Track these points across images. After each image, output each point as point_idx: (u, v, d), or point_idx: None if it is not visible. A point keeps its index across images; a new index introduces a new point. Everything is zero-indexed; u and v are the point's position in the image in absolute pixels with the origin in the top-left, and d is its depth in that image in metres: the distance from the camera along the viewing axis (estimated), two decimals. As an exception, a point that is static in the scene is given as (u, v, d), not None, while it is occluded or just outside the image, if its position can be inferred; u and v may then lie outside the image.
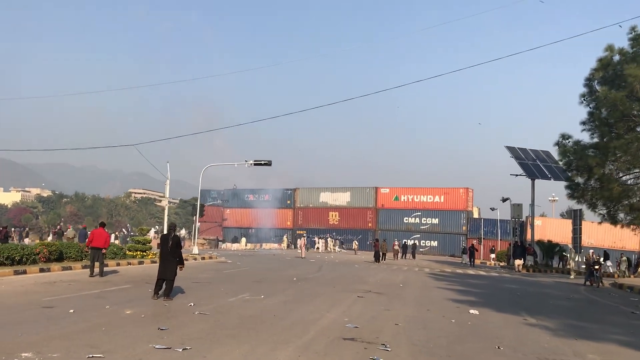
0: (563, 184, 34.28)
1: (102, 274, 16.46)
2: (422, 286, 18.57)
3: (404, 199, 62.00)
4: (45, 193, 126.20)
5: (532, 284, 22.52)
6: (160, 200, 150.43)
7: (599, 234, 48.52)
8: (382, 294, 15.25)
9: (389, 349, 7.61)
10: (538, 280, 25.28)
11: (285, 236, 61.57)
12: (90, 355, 6.49)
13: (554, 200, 79.33)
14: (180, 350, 7.00)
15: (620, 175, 26.95)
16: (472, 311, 12.13)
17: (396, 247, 43.87)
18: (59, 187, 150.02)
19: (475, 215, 62.97)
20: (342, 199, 64.62)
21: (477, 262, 42.11)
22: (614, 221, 28.01)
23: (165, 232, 12.57)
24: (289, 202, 67.25)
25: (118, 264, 21.11)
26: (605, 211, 27.77)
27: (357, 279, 20.09)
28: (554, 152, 38.07)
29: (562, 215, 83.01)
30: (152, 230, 63.99)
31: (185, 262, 25.48)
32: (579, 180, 28.39)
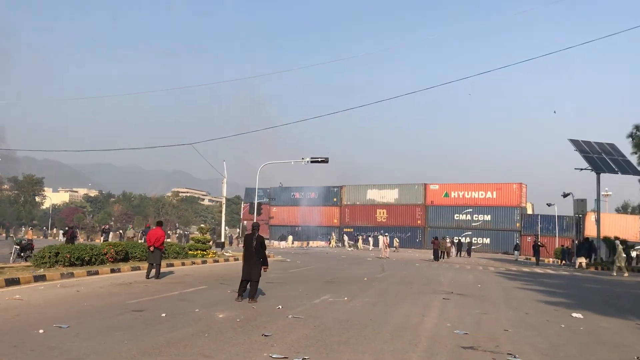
0: (627, 178, 32.83)
1: (157, 275, 15.54)
2: (500, 287, 17.70)
3: (454, 195, 60.75)
4: (92, 193, 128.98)
5: (612, 283, 21.33)
6: (203, 199, 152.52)
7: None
8: (465, 295, 14.49)
9: (520, 360, 6.92)
10: (616, 279, 24.00)
11: (332, 234, 61.13)
12: (211, 367, 6.02)
13: (607, 195, 76.73)
14: (300, 360, 6.48)
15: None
16: (574, 314, 11.28)
17: (448, 245, 42.76)
18: (105, 187, 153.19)
19: (529, 212, 61.29)
20: (390, 196, 63.76)
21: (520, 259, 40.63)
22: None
23: (248, 232, 12.05)
24: (335, 199, 66.78)
25: (183, 264, 20.95)
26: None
27: (429, 279, 19.35)
28: (619, 145, 36.56)
29: (618, 211, 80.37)
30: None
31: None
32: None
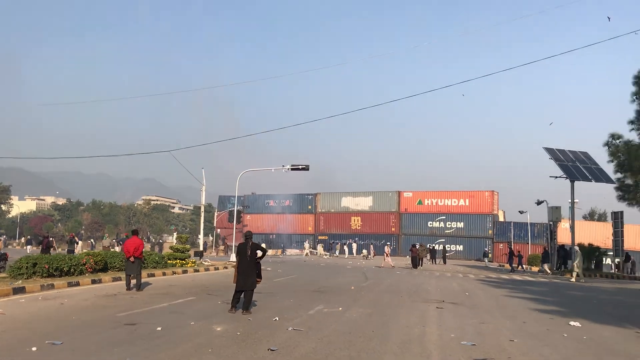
0: (592, 186, 33.43)
1: (138, 286, 14.88)
2: (488, 295, 17.64)
3: (428, 203, 61.02)
4: (61, 201, 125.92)
5: (595, 290, 21.49)
6: (173, 207, 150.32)
7: (629, 236, 47.11)
8: (457, 304, 14.35)
9: (540, 372, 6.75)
10: (595, 286, 24.24)
11: (307, 242, 60.78)
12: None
13: (576, 203, 78.14)
14: (317, 376, 6.18)
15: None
16: (572, 323, 11.22)
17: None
18: (73, 195, 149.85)
19: (501, 219, 61.96)
20: (364, 203, 63.73)
21: (495, 265, 41.03)
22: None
23: (243, 240, 11.72)
24: (310, 207, 66.44)
25: (164, 273, 20.42)
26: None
27: (416, 287, 19.21)
28: (592, 154, 37.19)
29: (585, 218, 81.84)
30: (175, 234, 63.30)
31: (225, 269, 24.84)
32: (629, 181, 27.45)
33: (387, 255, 35.82)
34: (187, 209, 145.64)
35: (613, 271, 36.84)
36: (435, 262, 44.66)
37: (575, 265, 27.10)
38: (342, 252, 54.75)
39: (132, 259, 14.87)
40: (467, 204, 59.59)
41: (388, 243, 45.53)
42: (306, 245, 57.50)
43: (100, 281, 16.49)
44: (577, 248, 28.99)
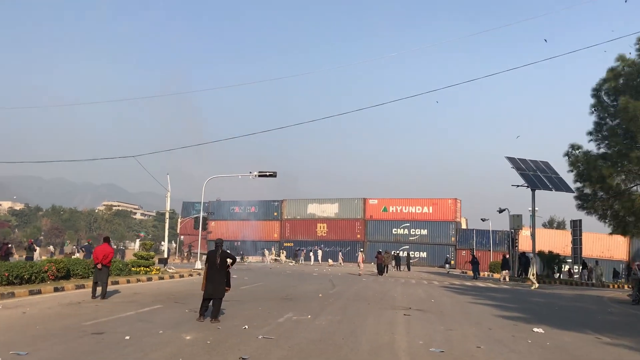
0: (552, 195, 34.47)
1: (104, 294, 14.44)
2: (453, 301, 17.92)
3: (393, 210, 61.59)
4: (18, 206, 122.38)
5: (556, 297, 22.06)
6: (135, 213, 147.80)
7: (587, 243, 48.47)
8: (424, 310, 14.55)
9: (508, 378, 6.90)
10: (556, 292, 24.88)
11: (272, 248, 60.58)
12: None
13: (537, 211, 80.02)
14: (290, 385, 6.19)
15: (630, 186, 26.84)
16: (536, 329, 11.50)
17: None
18: (31, 200, 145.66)
19: (464, 226, 62.92)
20: (330, 210, 63.93)
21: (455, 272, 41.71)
22: (624, 232, 27.87)
23: (213, 248, 11.65)
24: (275, 214, 66.27)
25: (128, 281, 20.07)
26: (615, 222, 27.60)
27: (382, 294, 19.36)
28: (553, 163, 38.18)
29: (545, 226, 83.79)
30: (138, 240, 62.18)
31: (190, 277, 24.56)
32: (588, 191, 28.24)
33: (361, 262, 35.78)
34: (150, 215, 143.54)
35: (575, 277, 37.82)
36: (399, 268, 45.06)
37: (530, 272, 27.74)
38: (307, 259, 54.73)
39: (99, 265, 14.58)
40: (430, 211, 60.38)
41: (362, 250, 45.61)
42: (266, 252, 56.99)
43: (63, 289, 16.10)
44: (531, 255, 29.70)
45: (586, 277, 36.25)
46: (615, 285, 37.58)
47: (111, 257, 15.14)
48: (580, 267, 39.36)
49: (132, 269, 22.99)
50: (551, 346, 9.65)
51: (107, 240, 15.82)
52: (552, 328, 11.98)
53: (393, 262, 44.70)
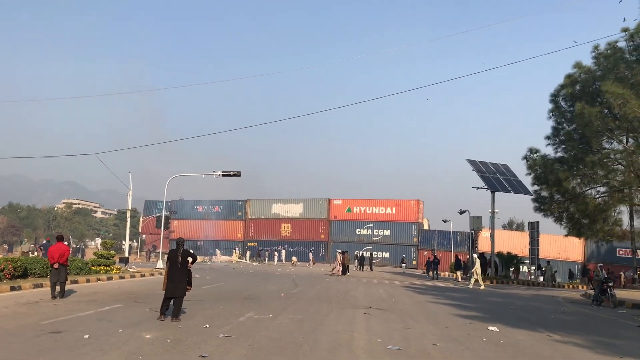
0: (512, 197, 35.49)
1: (62, 293, 14.27)
2: (413, 301, 18.26)
3: (357, 211, 62.15)
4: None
5: (513, 297, 22.66)
6: (96, 211, 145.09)
7: (544, 245, 49.85)
8: (384, 310, 14.80)
9: (461, 374, 7.15)
10: (512, 292, 25.52)
11: (235, 248, 60.42)
12: (159, 393, 5.69)
13: (497, 213, 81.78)
14: (249, 382, 6.29)
15: (585, 189, 27.76)
16: (491, 328, 11.85)
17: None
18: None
19: (426, 227, 63.90)
20: (295, 210, 64.09)
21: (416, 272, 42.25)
22: (578, 234, 28.78)
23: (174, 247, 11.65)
24: (240, 213, 66.07)
25: (88, 280, 19.80)
26: (570, 224, 28.49)
27: (344, 294, 19.58)
28: (512, 166, 39.17)
29: (504, 227, 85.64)
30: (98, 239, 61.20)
31: (152, 276, 24.38)
32: (545, 193, 29.09)
33: (339, 262, 35.35)
34: (111, 214, 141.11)
35: (532, 277, 38.78)
36: (362, 269, 45.47)
37: (475, 272, 28.28)
38: (271, 259, 54.73)
39: (56, 265, 14.37)
40: (393, 212, 61.16)
41: (339, 250, 45.53)
42: (218, 252, 56.51)
43: (20, 288, 15.82)
44: (475, 256, 30.29)
45: (540, 277, 37.24)
46: (571, 286, 38.73)
47: (67, 255, 14.92)
48: (536, 268, 40.49)
49: (92, 268, 22.66)
50: (504, 344, 9.98)
51: (60, 238, 15.55)
52: (507, 327, 12.35)
53: (356, 262, 45.18)
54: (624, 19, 23.92)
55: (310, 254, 53.96)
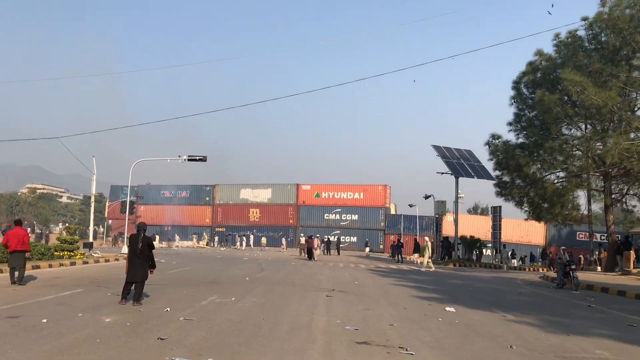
0: (477, 181, 36.26)
1: (21, 279, 14.08)
2: (375, 283, 18.60)
3: (325, 196, 62.42)
4: None
5: (474, 279, 23.23)
6: (61, 196, 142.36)
7: (507, 229, 50.96)
8: (347, 292, 15.08)
9: (413, 353, 7.41)
10: (473, 275, 26.15)
11: (204, 233, 60.23)
12: (115, 373, 5.79)
13: (461, 197, 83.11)
14: (206, 362, 6.44)
15: (545, 174, 28.48)
16: (447, 308, 12.22)
17: (302, 243, 42.09)
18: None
19: (393, 212, 64.58)
20: (263, 195, 64.03)
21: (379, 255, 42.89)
22: (538, 218, 29.54)
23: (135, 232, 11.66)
24: (207, 198, 65.70)
25: (50, 266, 19.59)
26: (530, 208, 29.23)
27: (309, 277, 19.81)
28: (475, 152, 39.87)
29: (469, 211, 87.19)
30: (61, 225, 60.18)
31: (116, 261, 24.24)
32: (506, 178, 29.74)
33: (317, 247, 35.37)
34: (76, 199, 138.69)
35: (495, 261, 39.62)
36: (329, 253, 45.86)
37: (426, 256, 28.78)
38: (240, 243, 54.67)
39: (16, 247, 14.16)
40: (361, 197, 61.61)
41: (317, 235, 45.50)
42: (177, 237, 56.15)
43: (-23, 274, 15.60)
44: (427, 239, 30.64)
45: (500, 260, 38.12)
46: (532, 268, 39.83)
47: (27, 240, 14.68)
48: (496, 251, 41.47)
49: (55, 253, 22.41)
50: (459, 324, 10.32)
51: (19, 223, 15.33)
52: (464, 307, 12.74)
53: (322, 246, 45.49)
54: (549, 12, 24.43)
55: (283, 239, 54.16)
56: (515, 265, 42.76)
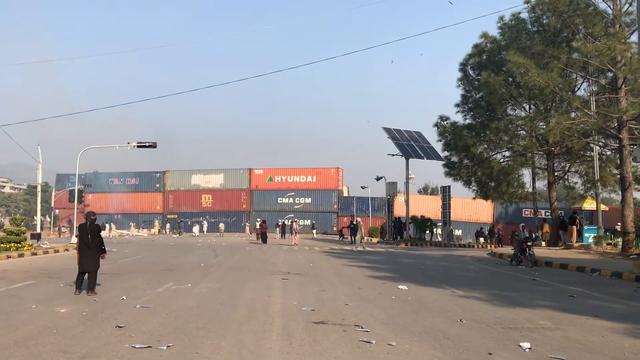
0: (427, 162, 37.13)
1: None
2: (330, 265, 18.91)
3: (278, 180, 62.36)
4: None
5: (424, 257, 23.87)
6: (3, 187, 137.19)
7: (456, 207, 52.12)
8: (302, 274, 15.32)
9: (368, 330, 7.68)
10: (424, 254, 26.85)
11: (155, 221, 59.40)
12: (75, 362, 5.82)
13: (412, 178, 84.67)
14: (165, 348, 6.52)
15: (491, 154, 29.37)
16: (400, 287, 12.59)
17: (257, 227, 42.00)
18: None
19: (346, 194, 65.18)
20: (215, 181, 63.43)
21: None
22: (485, 197, 30.49)
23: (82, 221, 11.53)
24: (158, 185, 64.60)
25: (-4, 258, 19.04)
26: (478, 187, 30.12)
27: (264, 262, 19.97)
28: (425, 133, 40.66)
29: (420, 192, 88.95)
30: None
31: (66, 252, 23.75)
32: (455, 159, 30.52)
33: (295, 232, 34.82)
34: (20, 189, 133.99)
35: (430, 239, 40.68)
36: (284, 236, 46.08)
37: (359, 237, 29.05)
38: (187, 230, 54.21)
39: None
40: (314, 180, 61.87)
41: (296, 220, 45.24)
42: (155, 224, 55.64)
43: None
44: (359, 219, 30.86)
45: (446, 237, 39.10)
46: (480, 246, 41.09)
47: None
48: (441, 231, 42.57)
49: (2, 245, 21.76)
50: (411, 300, 10.69)
51: None
52: (416, 285, 13.16)
53: (277, 231, 45.77)
54: None
55: (248, 225, 54.18)
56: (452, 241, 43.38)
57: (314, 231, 52.49)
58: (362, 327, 7.84)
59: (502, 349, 6.69)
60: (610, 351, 6.72)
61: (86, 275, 11.06)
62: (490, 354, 6.44)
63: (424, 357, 6.29)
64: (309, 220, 60.88)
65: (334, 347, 6.70)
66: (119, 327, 7.70)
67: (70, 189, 61.61)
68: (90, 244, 11.08)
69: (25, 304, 9.59)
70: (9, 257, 19.88)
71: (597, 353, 6.60)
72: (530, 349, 6.69)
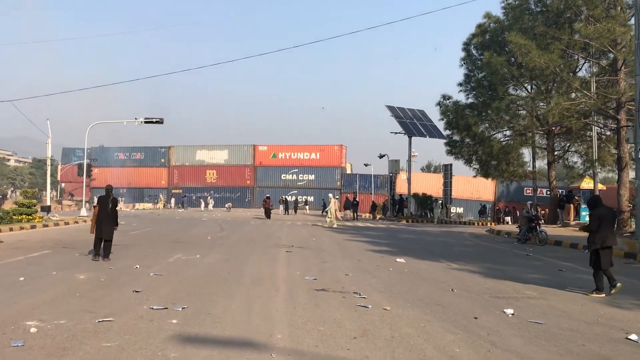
0: (430, 140, 37.55)
1: None
2: (332, 240, 19.56)
3: (282, 157, 62.96)
4: None
5: (424, 233, 24.53)
6: (8, 160, 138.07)
7: (458, 185, 52.55)
8: (305, 248, 15.98)
9: (365, 297, 8.31)
10: (425, 230, 27.50)
11: (160, 195, 60.17)
12: (100, 320, 6.45)
13: (415, 156, 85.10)
14: (180, 309, 7.15)
15: (492, 133, 29.82)
16: (398, 260, 13.25)
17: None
18: None
19: (349, 171, 65.76)
20: (220, 157, 64.06)
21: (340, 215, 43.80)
22: (486, 175, 31.01)
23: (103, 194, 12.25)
24: (163, 160, 65.26)
25: (11, 229, 19.75)
26: (479, 166, 30.64)
27: (268, 236, 20.63)
28: (428, 111, 41.04)
29: (423, 170, 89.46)
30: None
31: (76, 224, 24.46)
32: (456, 137, 30.99)
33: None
34: (25, 162, 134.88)
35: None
36: (287, 212, 46.81)
37: (334, 212, 28.84)
38: (194, 205, 54.96)
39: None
40: (318, 157, 62.44)
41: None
42: (161, 198, 56.44)
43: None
44: (330, 196, 30.71)
45: (445, 215, 39.60)
46: (480, 223, 41.72)
47: None
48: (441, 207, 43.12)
49: (14, 217, 22.48)
50: (408, 272, 11.33)
51: None
52: (413, 259, 13.81)
53: (281, 207, 46.53)
54: None
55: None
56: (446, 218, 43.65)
57: (307, 207, 53.68)
58: (360, 295, 8.47)
59: (487, 314, 7.32)
60: (587, 317, 7.35)
61: (102, 244, 11.77)
62: (475, 318, 7.07)
63: (415, 320, 6.93)
64: (313, 197, 61.62)
65: (334, 310, 7.35)
66: (137, 291, 8.36)
67: (78, 163, 62.43)
68: (109, 215, 11.87)
69: (46, 271, 10.25)
70: (22, 228, 20.60)
71: (574, 319, 7.23)
72: (513, 314, 7.33)
